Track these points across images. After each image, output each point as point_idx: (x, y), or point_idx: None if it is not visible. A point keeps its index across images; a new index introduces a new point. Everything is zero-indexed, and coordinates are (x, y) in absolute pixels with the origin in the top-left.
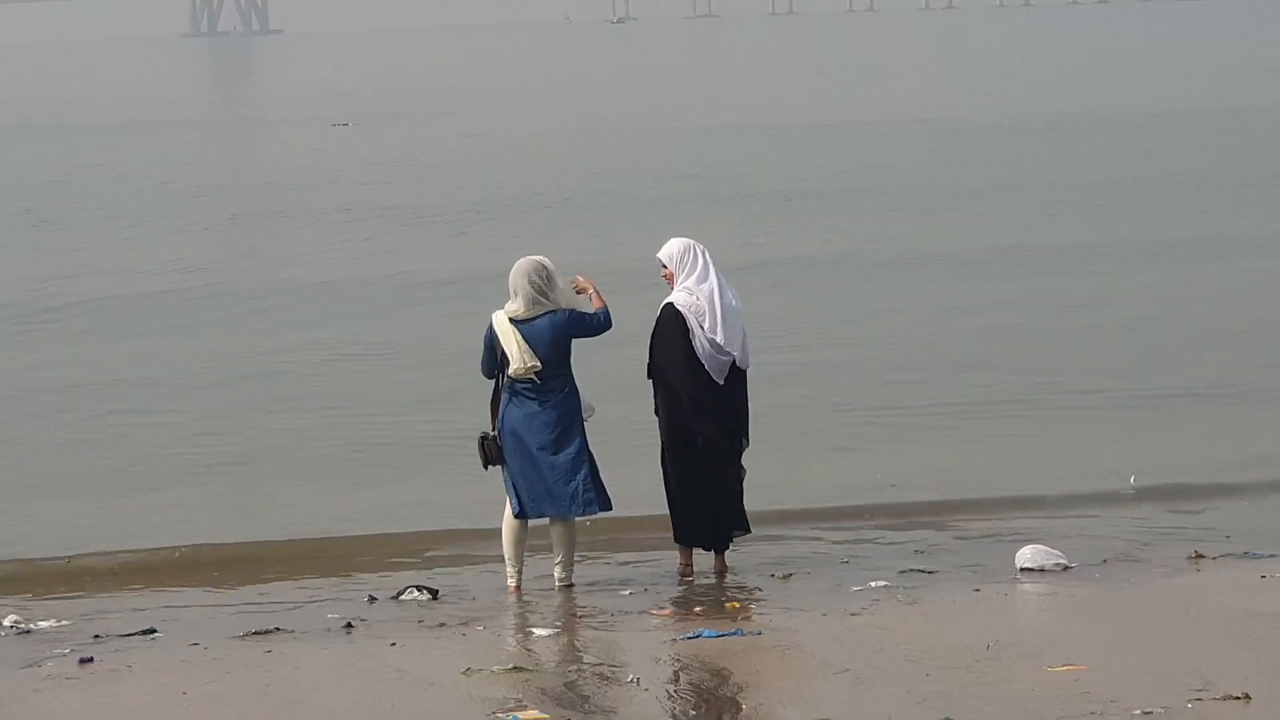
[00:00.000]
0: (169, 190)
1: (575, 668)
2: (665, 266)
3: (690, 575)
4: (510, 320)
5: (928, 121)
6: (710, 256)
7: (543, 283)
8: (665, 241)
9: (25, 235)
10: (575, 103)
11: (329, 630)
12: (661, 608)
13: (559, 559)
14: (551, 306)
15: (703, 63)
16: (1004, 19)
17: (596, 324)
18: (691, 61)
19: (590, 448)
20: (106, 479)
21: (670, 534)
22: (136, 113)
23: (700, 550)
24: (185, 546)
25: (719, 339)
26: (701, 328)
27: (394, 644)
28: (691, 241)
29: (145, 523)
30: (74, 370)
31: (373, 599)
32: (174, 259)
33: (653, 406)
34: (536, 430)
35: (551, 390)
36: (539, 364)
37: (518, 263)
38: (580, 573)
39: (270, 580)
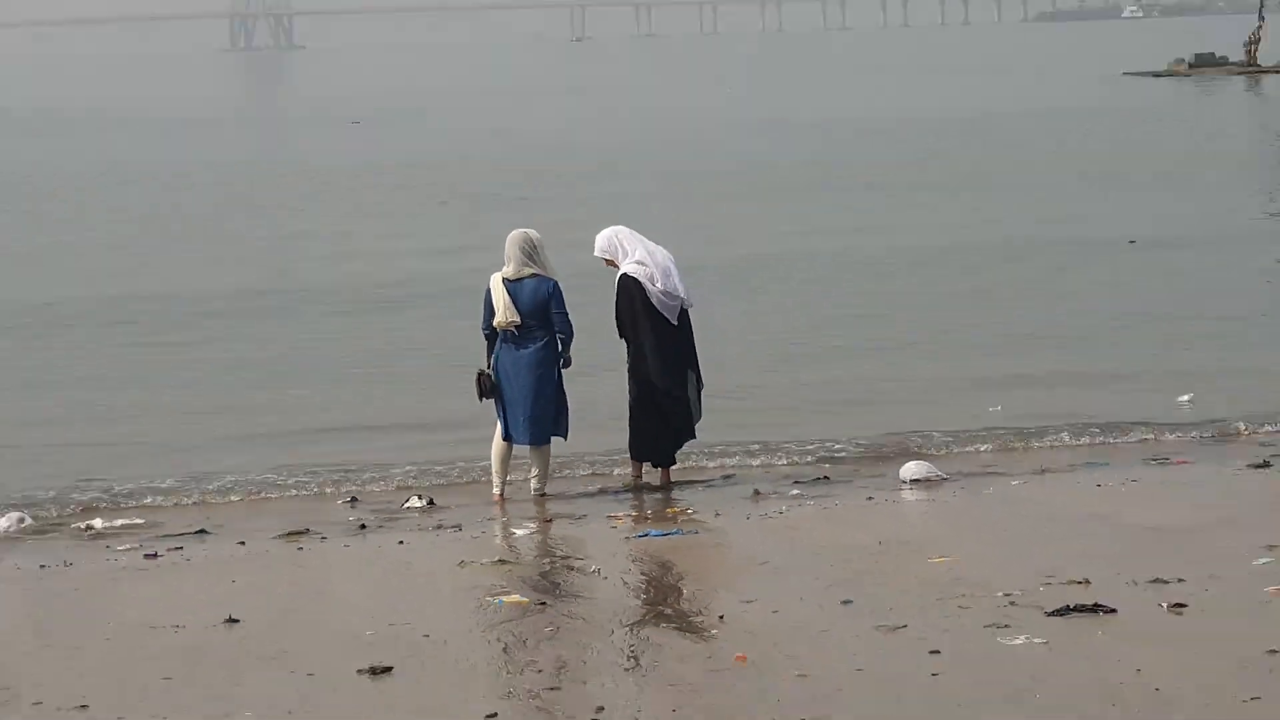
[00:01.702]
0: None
1: (548, 560)
2: (604, 258)
3: (640, 485)
4: (503, 280)
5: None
6: (633, 230)
7: (530, 249)
8: (593, 238)
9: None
10: (549, 106)
11: (348, 531)
12: (617, 513)
13: (535, 473)
14: (537, 270)
15: (648, 74)
16: (893, 39)
17: (565, 320)
18: (641, 73)
19: (564, 388)
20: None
21: (626, 454)
22: (192, 112)
23: (649, 467)
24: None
25: (670, 288)
26: (654, 285)
27: (401, 542)
28: (610, 230)
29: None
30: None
31: (354, 500)
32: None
33: (626, 354)
34: (520, 371)
35: (533, 340)
36: (518, 319)
37: (510, 234)
38: (552, 485)
39: (300, 494)
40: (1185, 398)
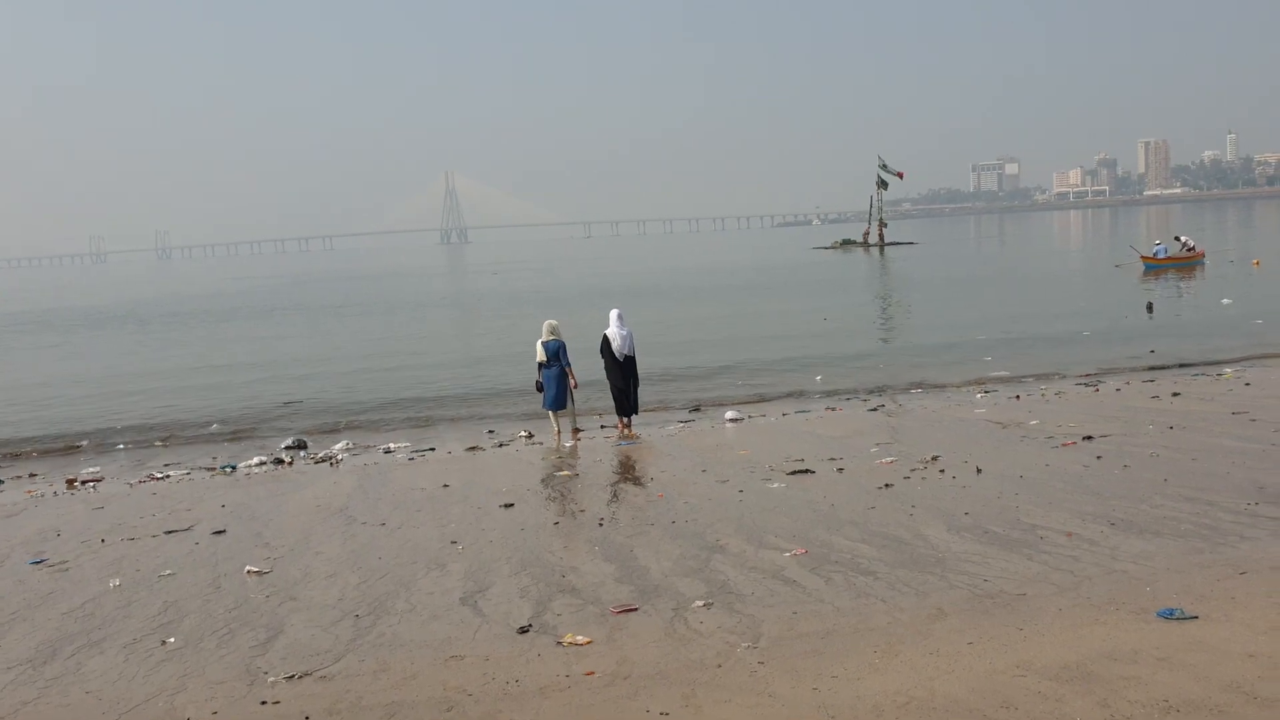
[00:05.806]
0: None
1: (575, 456)
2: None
3: (618, 426)
4: (541, 341)
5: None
6: (618, 313)
7: (553, 328)
8: (608, 310)
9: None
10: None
11: (495, 446)
12: (609, 436)
13: (571, 423)
14: (556, 337)
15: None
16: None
17: (565, 358)
18: (627, 255)
19: (570, 386)
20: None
21: (614, 414)
22: (423, 271)
23: (622, 419)
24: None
25: (623, 347)
26: (615, 341)
27: (516, 450)
28: (615, 310)
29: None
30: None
31: (492, 432)
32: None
33: (603, 365)
34: (549, 381)
35: (555, 367)
36: (546, 359)
37: (545, 321)
38: (580, 424)
39: (476, 430)
40: (819, 378)
